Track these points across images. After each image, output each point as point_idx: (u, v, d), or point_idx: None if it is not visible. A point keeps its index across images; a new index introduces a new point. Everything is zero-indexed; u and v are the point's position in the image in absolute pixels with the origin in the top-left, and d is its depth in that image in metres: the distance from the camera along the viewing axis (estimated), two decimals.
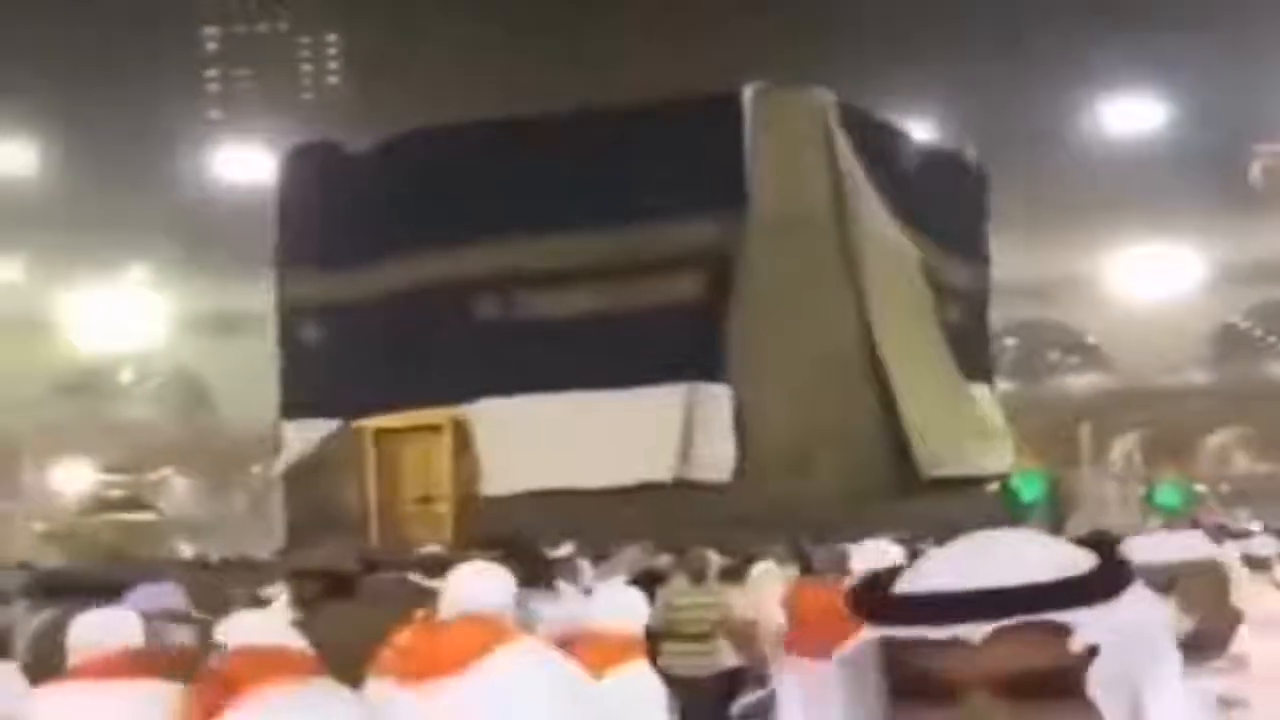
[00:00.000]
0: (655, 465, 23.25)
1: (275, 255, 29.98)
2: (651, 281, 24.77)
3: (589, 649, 6.45)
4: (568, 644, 6.45)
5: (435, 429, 25.86)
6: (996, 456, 27.74)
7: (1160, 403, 61.42)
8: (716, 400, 23.99)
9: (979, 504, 25.30)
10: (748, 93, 25.74)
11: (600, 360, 23.97)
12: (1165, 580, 3.80)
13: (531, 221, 25.07)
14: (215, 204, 68.15)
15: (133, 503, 44.29)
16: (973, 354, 29.33)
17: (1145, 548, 4.01)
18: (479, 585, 5.81)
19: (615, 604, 7.10)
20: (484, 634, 5.59)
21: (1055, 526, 28.04)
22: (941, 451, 25.04)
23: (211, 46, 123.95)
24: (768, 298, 24.55)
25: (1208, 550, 4.39)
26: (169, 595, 6.31)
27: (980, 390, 28.96)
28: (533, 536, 13.36)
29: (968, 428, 26.34)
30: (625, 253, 24.85)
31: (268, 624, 5.33)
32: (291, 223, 29.50)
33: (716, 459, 23.47)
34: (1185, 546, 4.25)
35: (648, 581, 12.23)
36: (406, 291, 26.39)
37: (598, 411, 23.93)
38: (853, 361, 25.16)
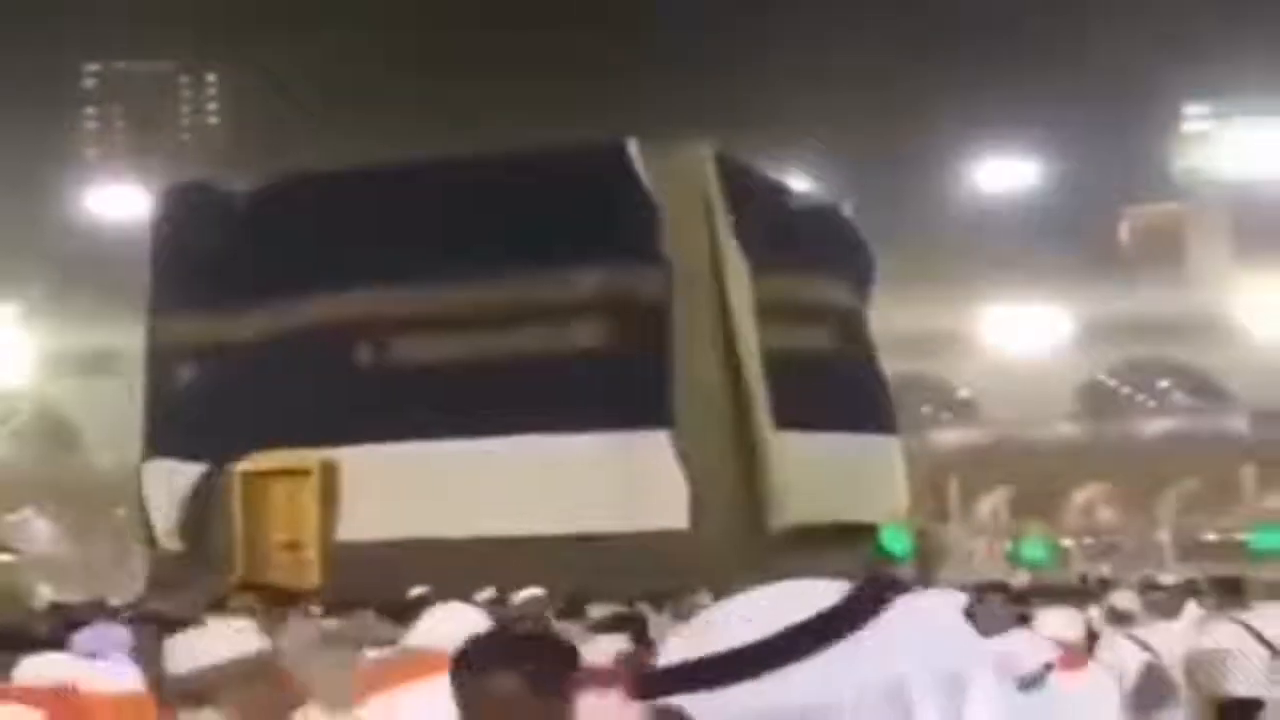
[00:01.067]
0: (536, 515, 23.06)
1: (149, 295, 29.61)
2: (534, 329, 24.67)
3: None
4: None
5: (304, 473, 25.62)
6: (868, 508, 27.79)
7: (1028, 458, 62.33)
8: (651, 445, 23.59)
9: (848, 557, 25.46)
10: (633, 145, 25.82)
11: (473, 407, 23.93)
12: None
13: (408, 268, 24.94)
14: (88, 242, 67.28)
15: None
16: (868, 401, 29.02)
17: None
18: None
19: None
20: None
21: (924, 580, 28.28)
22: (798, 504, 24.85)
23: (90, 84, 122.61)
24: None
25: None
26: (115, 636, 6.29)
27: (867, 440, 28.31)
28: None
29: (833, 481, 26.18)
30: (506, 300, 24.78)
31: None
32: (166, 263, 29.17)
33: (663, 506, 22.99)
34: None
35: None
36: (281, 335, 26.17)
37: (475, 459, 23.84)
38: (725, 411, 25.18)
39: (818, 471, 25.23)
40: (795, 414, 25.21)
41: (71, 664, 5.71)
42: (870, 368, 30.06)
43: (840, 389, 27.27)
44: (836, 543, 25.23)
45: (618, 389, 23.78)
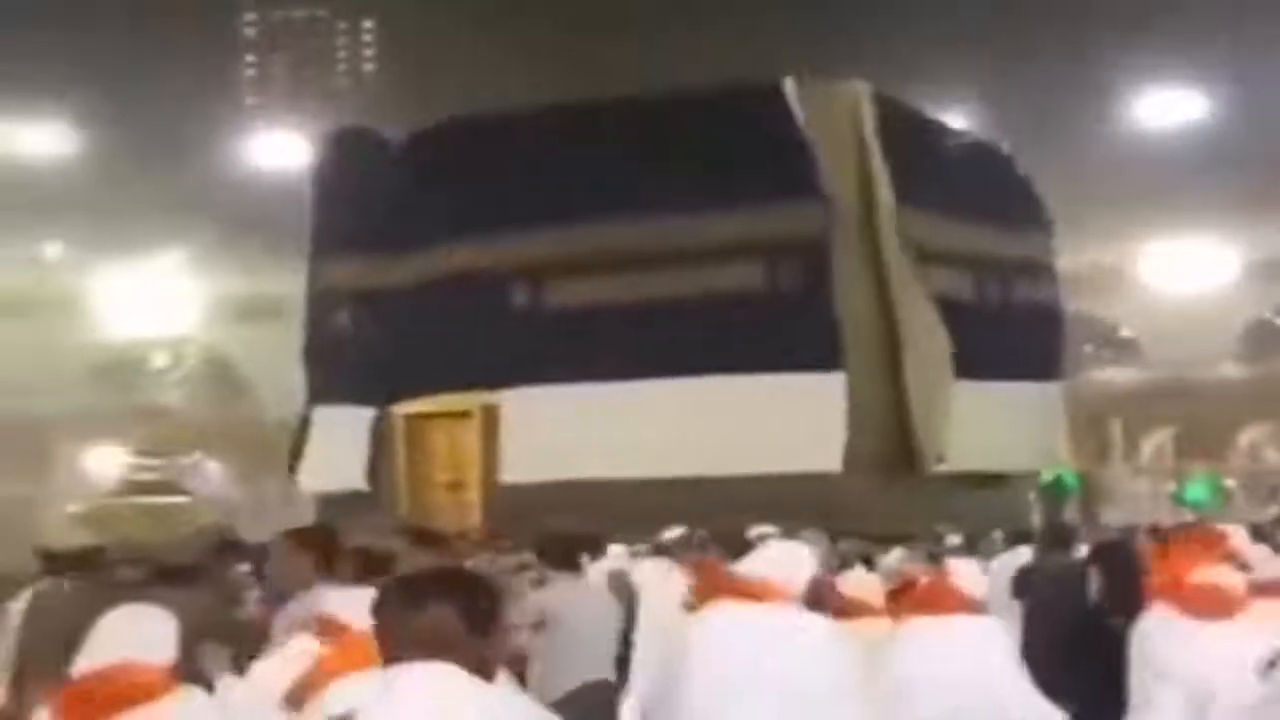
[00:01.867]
0: (693, 457, 23.05)
1: (309, 241, 30.01)
2: (694, 270, 24.57)
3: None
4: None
5: (465, 415, 25.90)
6: (1028, 456, 27.45)
7: (1192, 398, 61.12)
8: (817, 388, 23.48)
9: (1004, 501, 25.24)
10: (789, 84, 25.62)
11: (632, 349, 24.01)
12: None
13: (564, 210, 25.03)
14: (251, 189, 68.24)
15: (165, 486, 44.45)
16: (1037, 350, 28.44)
17: None
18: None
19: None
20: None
21: (1089, 520, 27.98)
22: (957, 452, 24.65)
23: (249, 32, 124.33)
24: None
25: None
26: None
27: (1031, 388, 27.73)
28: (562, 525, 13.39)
29: (994, 429, 25.84)
30: (664, 241, 24.73)
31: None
32: (325, 209, 29.56)
33: (818, 448, 22.91)
34: None
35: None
36: (438, 279, 26.42)
37: (634, 401, 23.92)
38: (882, 354, 25.00)
39: (979, 419, 24.99)
40: (958, 361, 24.94)
41: (338, 596, 5.78)
42: (1045, 314, 29.35)
43: (1008, 337, 26.84)
44: (992, 487, 25.07)
45: (780, 330, 23.70)
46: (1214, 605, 6.78)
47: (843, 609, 7.66)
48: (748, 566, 6.84)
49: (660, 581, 12.13)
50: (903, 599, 8.02)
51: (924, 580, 8.38)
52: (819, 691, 6.42)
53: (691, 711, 6.40)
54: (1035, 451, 27.97)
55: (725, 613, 6.59)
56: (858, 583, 8.27)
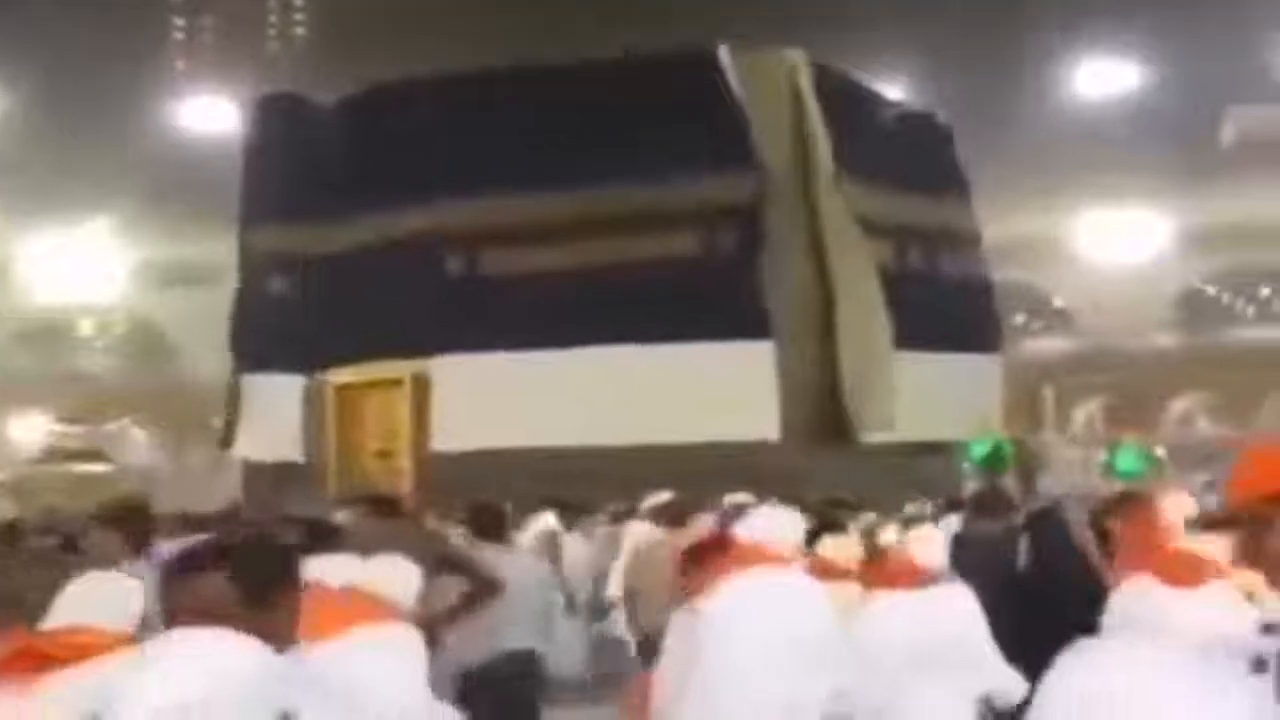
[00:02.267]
0: (628, 424, 22.91)
1: (240, 207, 29.65)
2: (627, 238, 24.46)
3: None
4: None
5: (396, 383, 25.67)
6: (963, 424, 27.56)
7: (1124, 367, 61.61)
8: (750, 356, 23.42)
9: (936, 467, 25.30)
10: (723, 52, 25.49)
11: (566, 317, 23.80)
12: None
13: (497, 177, 24.80)
14: (179, 154, 67.44)
15: (89, 454, 43.89)
16: (970, 320, 28.74)
17: None
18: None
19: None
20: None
21: (1025, 488, 28.03)
22: (879, 416, 24.71)
23: None
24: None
25: None
26: None
27: (961, 359, 28.00)
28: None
29: (929, 397, 25.96)
30: (597, 209, 24.58)
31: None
32: (255, 175, 29.19)
33: (754, 417, 22.90)
34: None
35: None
36: (372, 246, 26.16)
37: (568, 368, 23.75)
38: (816, 322, 24.96)
39: (912, 389, 25.03)
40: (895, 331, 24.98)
41: (360, 565, 5.77)
42: (976, 286, 29.70)
43: (940, 308, 26.98)
44: (926, 453, 25.15)
45: (711, 299, 23.61)
46: (1193, 573, 6.78)
47: (822, 571, 7.71)
48: (746, 533, 7.09)
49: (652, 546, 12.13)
50: (873, 570, 8.18)
51: (891, 550, 8.64)
52: (832, 654, 6.72)
53: (714, 686, 6.54)
54: (968, 421, 28.09)
55: (747, 580, 6.74)
56: (835, 546, 8.26)
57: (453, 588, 9.06)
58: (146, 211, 62.89)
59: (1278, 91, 76.97)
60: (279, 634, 3.80)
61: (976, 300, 29.36)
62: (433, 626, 7.20)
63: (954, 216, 29.11)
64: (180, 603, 3.77)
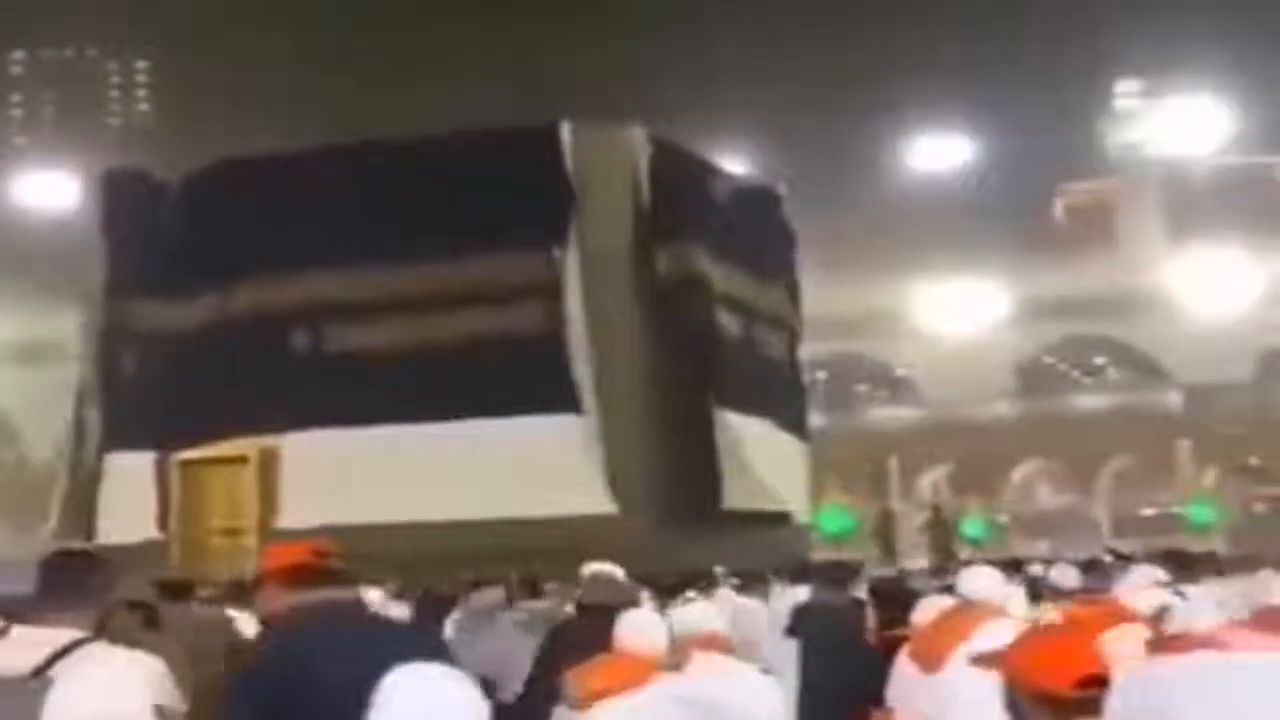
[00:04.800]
0: (466, 499, 22.91)
1: (99, 282, 29.25)
2: (455, 314, 24.61)
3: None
4: None
5: (242, 460, 25.45)
6: (788, 494, 28.01)
7: (966, 436, 62.68)
8: (571, 431, 23.58)
9: (778, 540, 25.57)
10: (565, 128, 25.74)
11: (400, 392, 23.86)
12: None
13: (345, 252, 24.80)
14: (19, 230, 66.46)
15: None
16: (784, 392, 29.55)
17: None
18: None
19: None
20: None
21: (886, 556, 28.47)
22: (747, 486, 25.08)
23: (16, 70, 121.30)
24: (588, 330, 24.53)
25: None
26: None
27: (779, 434, 28.70)
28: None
29: (765, 466, 26.36)
30: (428, 284, 24.67)
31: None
32: (106, 251, 28.89)
33: (582, 490, 22.91)
34: None
35: None
36: (218, 322, 26.00)
37: (415, 445, 23.72)
38: (650, 393, 25.07)
39: (748, 455, 25.37)
40: (726, 395, 25.41)
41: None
42: (790, 358, 30.59)
43: (764, 380, 27.59)
44: (762, 525, 25.30)
45: (525, 375, 23.92)
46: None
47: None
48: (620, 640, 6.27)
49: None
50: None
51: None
52: None
53: None
54: (791, 494, 28.55)
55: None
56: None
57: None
58: None
59: (1107, 165, 79.32)
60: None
61: (789, 383, 30.45)
62: None
63: (775, 298, 30.03)
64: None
